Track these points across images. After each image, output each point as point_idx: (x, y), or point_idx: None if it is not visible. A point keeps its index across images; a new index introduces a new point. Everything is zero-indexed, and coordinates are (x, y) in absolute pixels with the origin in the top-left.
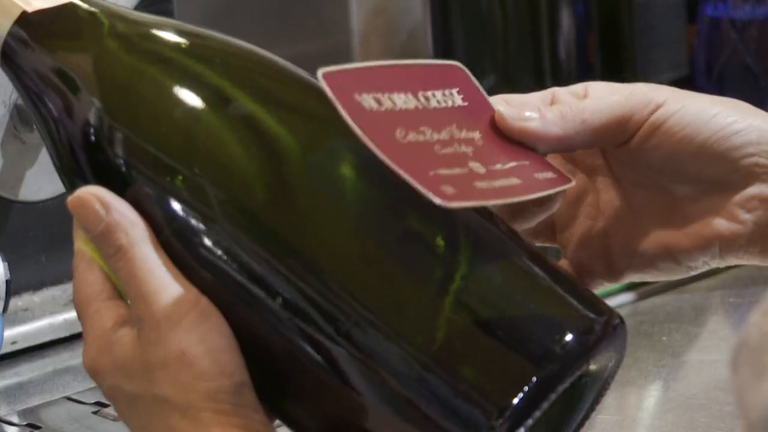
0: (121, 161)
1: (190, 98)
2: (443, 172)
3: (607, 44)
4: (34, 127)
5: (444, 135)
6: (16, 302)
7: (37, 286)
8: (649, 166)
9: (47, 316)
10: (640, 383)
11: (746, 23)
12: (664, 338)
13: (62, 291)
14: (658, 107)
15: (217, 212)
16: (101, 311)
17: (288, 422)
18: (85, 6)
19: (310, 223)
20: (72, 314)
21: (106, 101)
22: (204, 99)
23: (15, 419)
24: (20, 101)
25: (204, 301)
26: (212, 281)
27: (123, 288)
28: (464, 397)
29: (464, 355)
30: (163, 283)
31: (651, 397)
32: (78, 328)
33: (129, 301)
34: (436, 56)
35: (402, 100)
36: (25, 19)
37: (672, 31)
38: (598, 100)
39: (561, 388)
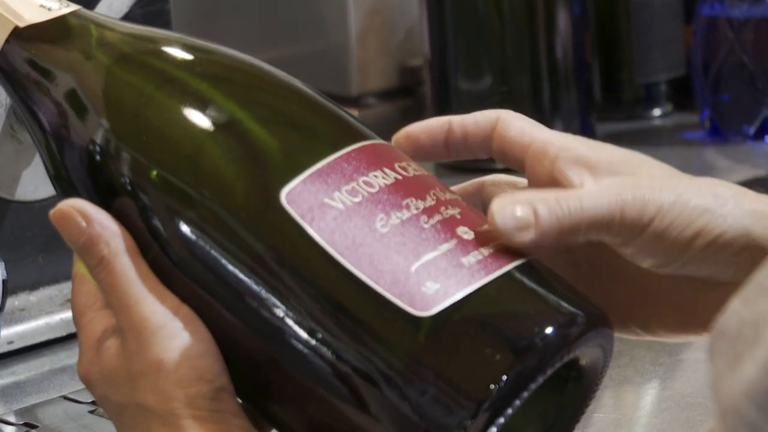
0: (106, 173)
1: (179, 111)
2: (429, 257)
3: (604, 44)
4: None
5: (429, 201)
6: (13, 302)
7: (33, 285)
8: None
9: (44, 315)
10: (637, 382)
11: (743, 22)
12: None
13: (59, 291)
14: (651, 221)
15: (199, 224)
16: (94, 320)
17: (276, 426)
18: (75, 20)
19: (292, 236)
20: (69, 314)
21: (98, 113)
22: (191, 110)
23: (12, 419)
24: None
25: (184, 309)
26: (194, 290)
27: (107, 298)
28: (443, 391)
29: (444, 352)
30: (144, 293)
31: (648, 395)
32: (75, 328)
33: (113, 311)
34: (433, 56)
35: (380, 177)
36: (17, 34)
37: (669, 31)
38: (595, 200)
39: (540, 380)
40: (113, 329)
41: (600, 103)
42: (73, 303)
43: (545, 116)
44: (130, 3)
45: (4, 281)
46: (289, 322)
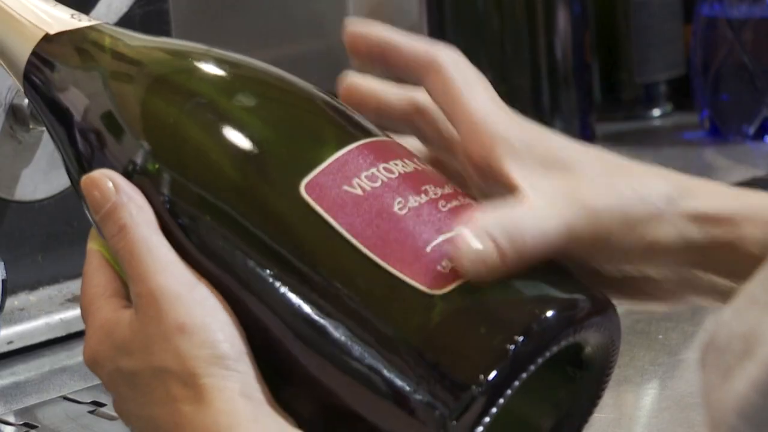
0: (131, 160)
1: (196, 111)
2: (443, 237)
3: (603, 44)
4: (30, 127)
5: (447, 189)
6: (13, 302)
7: (33, 285)
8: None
9: (43, 315)
10: (637, 382)
11: (742, 22)
12: (660, 337)
13: (59, 290)
14: (596, 237)
15: (223, 219)
16: (103, 307)
17: (285, 411)
18: (101, 29)
19: (310, 223)
20: (68, 314)
21: (131, 131)
22: (207, 111)
23: (11, 419)
24: (16, 100)
25: (204, 281)
26: (216, 280)
27: (123, 268)
28: (448, 370)
29: (452, 330)
30: (164, 264)
31: (647, 395)
32: (75, 328)
33: (128, 282)
34: None
35: (400, 165)
36: (47, 41)
37: (668, 31)
38: (544, 224)
39: (539, 362)
40: (124, 309)
41: (600, 103)
42: (82, 294)
43: (545, 116)
44: (130, 3)
45: (3, 281)
46: (304, 303)
